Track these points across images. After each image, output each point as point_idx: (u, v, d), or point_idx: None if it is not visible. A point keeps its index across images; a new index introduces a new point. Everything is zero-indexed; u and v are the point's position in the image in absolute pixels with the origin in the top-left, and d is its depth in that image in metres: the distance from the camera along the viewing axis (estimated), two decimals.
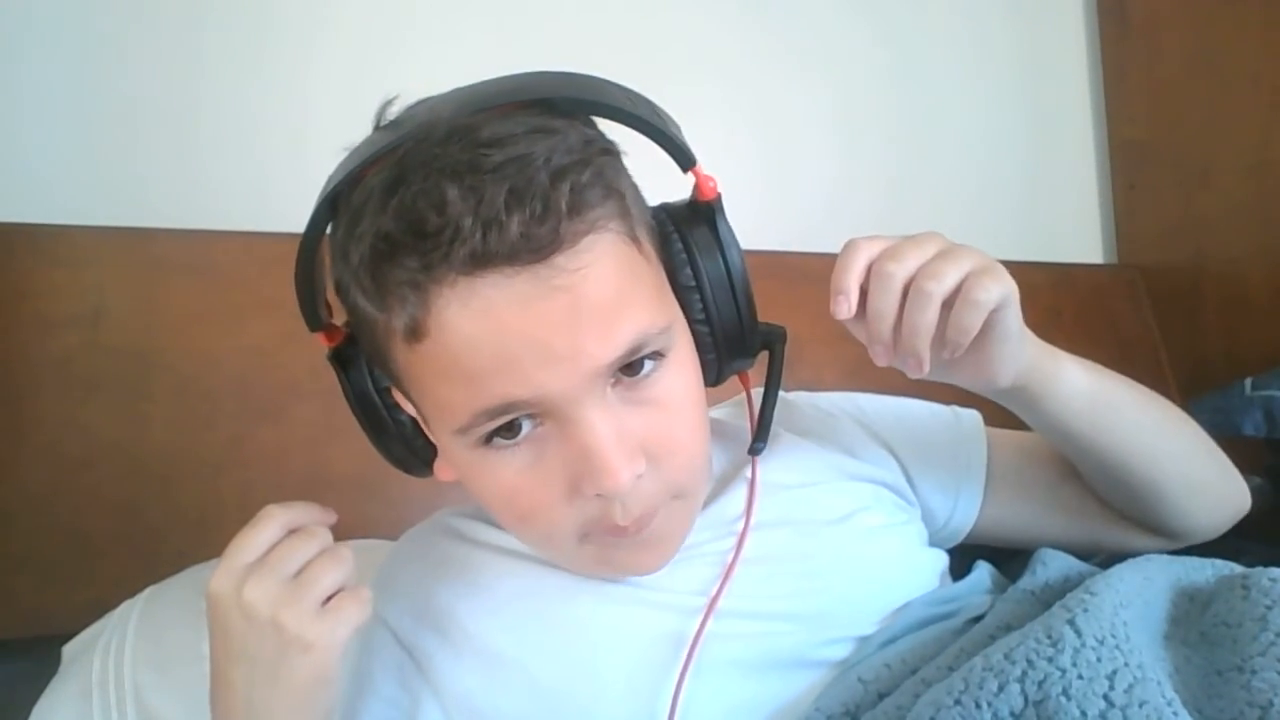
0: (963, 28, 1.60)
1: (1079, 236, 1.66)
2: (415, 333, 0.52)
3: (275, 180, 1.16)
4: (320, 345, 0.64)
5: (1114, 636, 0.52)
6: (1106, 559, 0.68)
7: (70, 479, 0.96)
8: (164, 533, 0.97)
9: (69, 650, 0.82)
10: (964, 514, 0.76)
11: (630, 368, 0.54)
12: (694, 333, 0.60)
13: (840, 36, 1.50)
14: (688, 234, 0.61)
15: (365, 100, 1.26)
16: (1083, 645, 0.51)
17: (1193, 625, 0.59)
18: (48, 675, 0.77)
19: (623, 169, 0.58)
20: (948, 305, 0.56)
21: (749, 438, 0.66)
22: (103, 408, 0.98)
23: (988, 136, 1.60)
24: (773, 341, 0.66)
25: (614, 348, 0.52)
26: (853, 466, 0.72)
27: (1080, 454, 0.70)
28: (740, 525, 0.64)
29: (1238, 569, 0.62)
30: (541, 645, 0.61)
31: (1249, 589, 0.57)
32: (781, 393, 0.72)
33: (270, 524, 0.55)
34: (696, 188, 0.63)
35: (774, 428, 0.68)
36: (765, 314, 1.41)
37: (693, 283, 0.60)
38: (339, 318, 0.62)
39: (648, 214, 0.60)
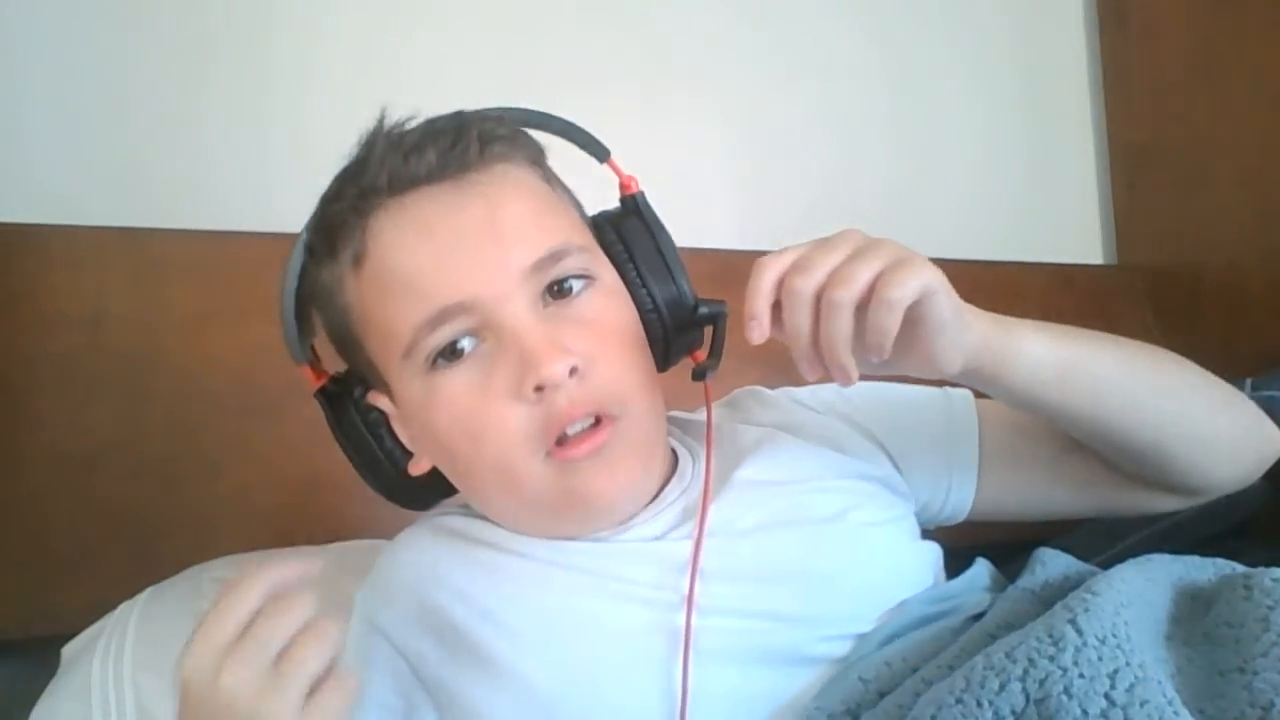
0: (963, 29, 1.60)
1: (1079, 238, 1.66)
2: (358, 258, 0.60)
3: (276, 181, 1.16)
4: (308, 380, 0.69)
5: (1115, 636, 0.52)
6: (1107, 559, 0.68)
7: (70, 479, 0.96)
8: (164, 533, 0.97)
9: (68, 651, 0.82)
10: (959, 499, 0.75)
11: (560, 290, 0.60)
12: (643, 320, 0.64)
13: (839, 38, 1.50)
14: (621, 227, 0.66)
15: (365, 101, 1.26)
16: (1084, 644, 0.51)
17: (1195, 625, 0.59)
18: (47, 676, 0.77)
19: (539, 150, 0.65)
20: (866, 307, 0.54)
21: (714, 443, 0.66)
22: (103, 408, 0.98)
23: (988, 138, 1.60)
24: (715, 316, 0.67)
25: (534, 248, 0.59)
26: (841, 463, 0.70)
27: (1066, 424, 0.68)
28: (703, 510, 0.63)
29: (1240, 569, 0.62)
30: (538, 647, 0.60)
31: (1251, 589, 0.57)
32: (764, 389, 0.75)
33: (247, 594, 0.49)
34: (620, 185, 0.68)
35: (761, 426, 0.70)
36: None
37: (631, 268, 0.65)
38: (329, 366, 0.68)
39: (574, 199, 0.67)
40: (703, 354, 0.68)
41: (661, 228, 0.67)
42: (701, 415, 0.69)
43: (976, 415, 0.76)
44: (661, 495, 0.65)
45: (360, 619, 0.64)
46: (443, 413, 0.59)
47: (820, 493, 0.67)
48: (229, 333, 1.04)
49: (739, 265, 1.31)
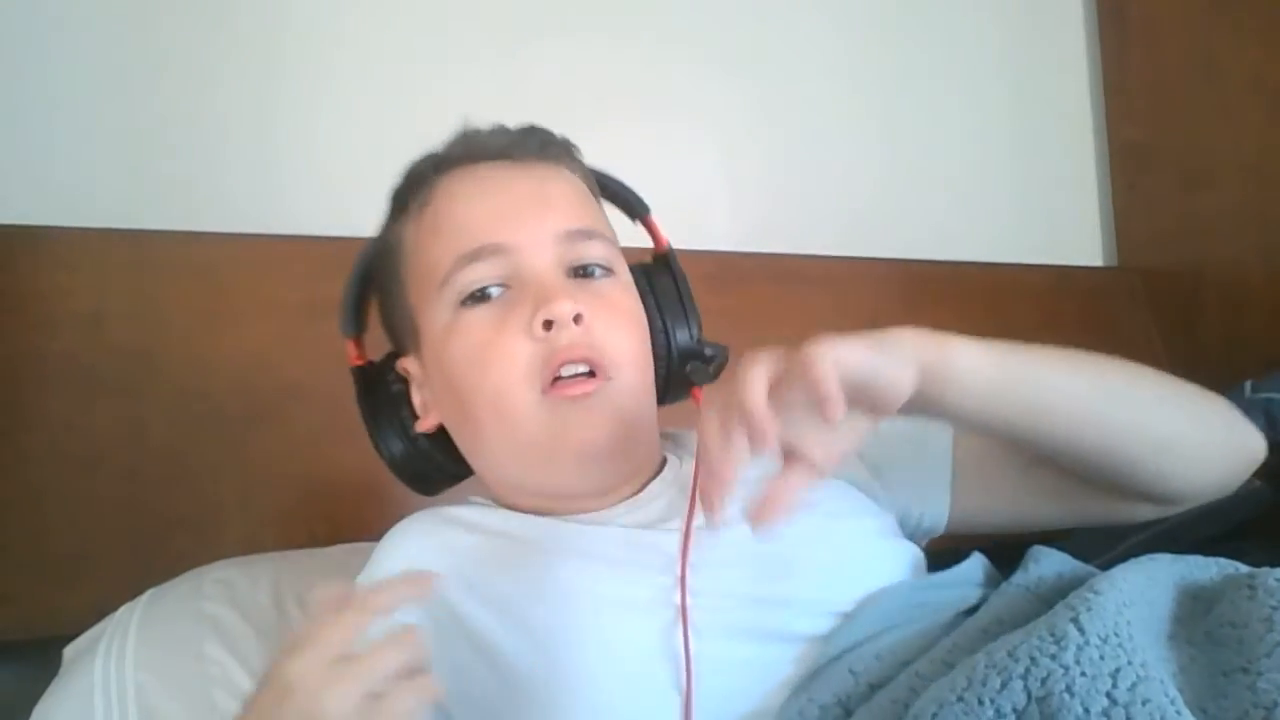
0: (961, 30, 1.60)
1: (1079, 239, 1.66)
2: (423, 205, 0.69)
3: (277, 183, 1.16)
4: (332, 345, 0.78)
5: (1117, 635, 0.52)
6: (1108, 560, 0.68)
7: (71, 480, 0.96)
8: (165, 534, 0.97)
9: (70, 652, 0.82)
10: (935, 512, 0.76)
11: (584, 272, 0.68)
12: (654, 347, 0.72)
13: (837, 39, 1.50)
14: (650, 271, 0.76)
15: (368, 105, 1.27)
16: (1086, 643, 0.51)
17: (1198, 625, 0.58)
18: (48, 677, 0.77)
19: (589, 170, 0.76)
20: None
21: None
22: (104, 409, 0.98)
23: (987, 139, 1.60)
24: (716, 355, 0.76)
25: (570, 220, 0.68)
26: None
27: (1018, 439, 0.67)
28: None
29: (1243, 569, 0.62)
30: (533, 626, 0.61)
31: (1255, 589, 0.57)
32: None
33: (366, 614, 0.50)
34: (655, 241, 0.78)
35: None
36: (765, 315, 1.42)
37: (651, 300, 0.73)
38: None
39: (610, 226, 0.74)
40: (701, 391, 0.72)
41: (686, 282, 0.76)
42: (693, 432, 0.71)
43: (950, 430, 0.77)
44: (648, 488, 0.69)
45: None
46: (459, 341, 0.66)
47: None
48: (231, 334, 1.04)
49: (737, 266, 1.33)
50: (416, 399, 0.72)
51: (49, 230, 1.01)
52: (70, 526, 0.95)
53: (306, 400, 1.05)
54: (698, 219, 1.38)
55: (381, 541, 0.70)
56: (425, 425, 0.71)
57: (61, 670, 0.80)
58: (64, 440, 0.96)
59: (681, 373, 0.73)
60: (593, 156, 1.30)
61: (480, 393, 0.65)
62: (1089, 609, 0.53)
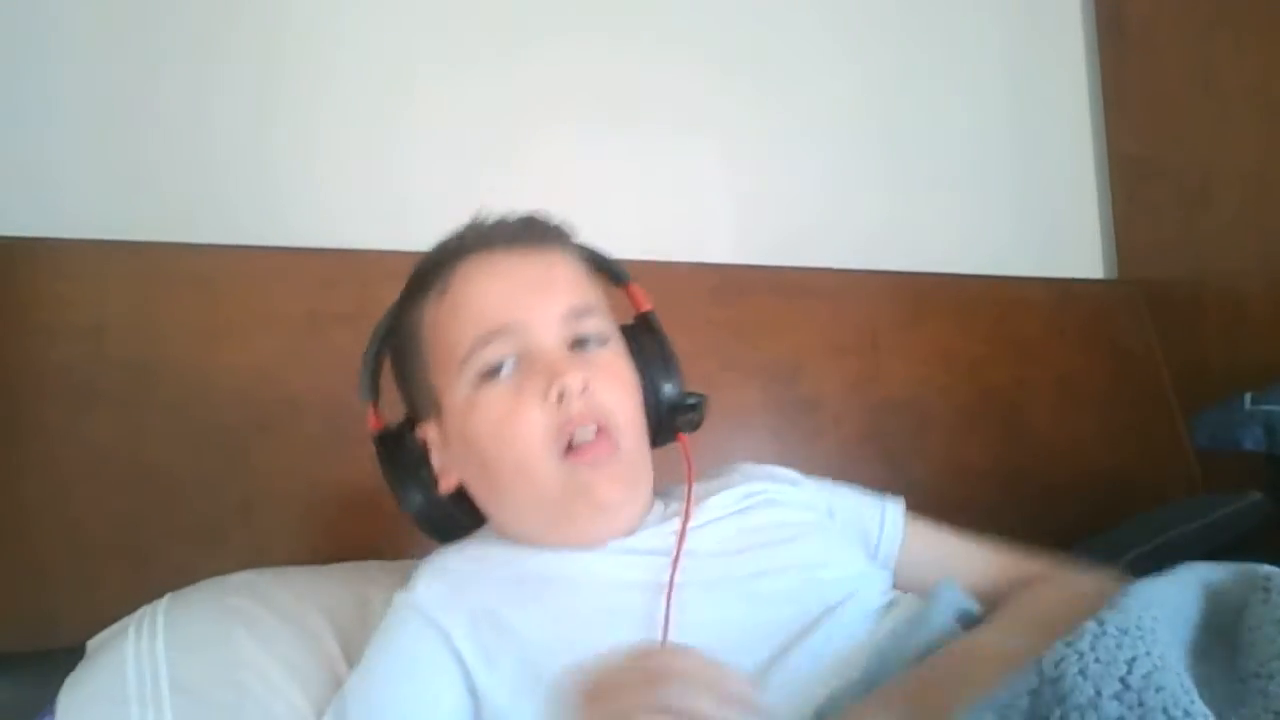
0: (961, 44, 1.60)
1: (1079, 252, 1.66)
2: (444, 291, 0.76)
3: (279, 195, 1.17)
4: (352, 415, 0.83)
5: (1139, 629, 0.52)
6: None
7: (72, 490, 0.96)
8: (165, 545, 0.97)
9: (94, 642, 0.82)
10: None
11: (582, 344, 0.75)
12: (644, 400, 0.80)
13: (838, 52, 1.51)
14: (636, 331, 0.84)
15: (368, 118, 1.27)
16: (1103, 634, 0.51)
17: (1226, 632, 0.58)
18: (48, 689, 0.77)
19: (586, 250, 0.83)
20: None
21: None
22: (105, 419, 0.98)
23: (987, 152, 1.60)
24: (698, 405, 0.84)
25: (571, 299, 0.76)
26: (783, 497, 0.83)
27: None
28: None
29: (1264, 570, 0.61)
30: (545, 622, 0.70)
31: (1270, 591, 0.57)
32: (751, 464, 0.89)
33: (698, 688, 0.52)
34: (636, 304, 0.86)
35: (710, 494, 0.81)
36: (767, 327, 1.42)
37: (641, 360, 0.81)
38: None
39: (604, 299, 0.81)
40: (686, 435, 0.83)
41: (667, 340, 0.84)
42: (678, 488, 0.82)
43: (903, 534, 0.86)
44: (643, 524, 0.77)
45: (414, 614, 0.73)
46: (481, 415, 0.73)
47: (755, 515, 0.80)
48: (232, 346, 1.04)
49: (740, 279, 1.33)
50: (436, 462, 0.78)
51: (49, 242, 1.01)
52: (70, 538, 0.95)
53: (307, 412, 1.05)
54: (700, 232, 1.38)
55: (419, 569, 0.77)
56: (446, 486, 0.78)
57: (87, 655, 0.80)
58: (63, 451, 0.96)
59: (670, 422, 0.82)
60: (593, 168, 1.32)
61: (504, 461, 0.73)
62: (1112, 607, 0.54)
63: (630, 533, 0.76)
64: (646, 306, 0.86)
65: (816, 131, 1.48)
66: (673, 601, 0.68)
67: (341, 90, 1.20)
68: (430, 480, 0.78)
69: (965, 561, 0.84)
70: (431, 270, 0.78)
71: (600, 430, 0.73)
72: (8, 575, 0.92)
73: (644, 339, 0.83)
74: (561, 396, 0.71)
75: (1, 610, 0.91)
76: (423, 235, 1.23)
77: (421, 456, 0.79)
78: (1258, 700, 0.50)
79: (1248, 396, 1.06)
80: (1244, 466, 1.17)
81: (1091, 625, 0.52)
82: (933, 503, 1.33)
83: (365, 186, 1.20)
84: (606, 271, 0.85)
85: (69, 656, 0.81)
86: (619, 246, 1.29)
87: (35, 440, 0.96)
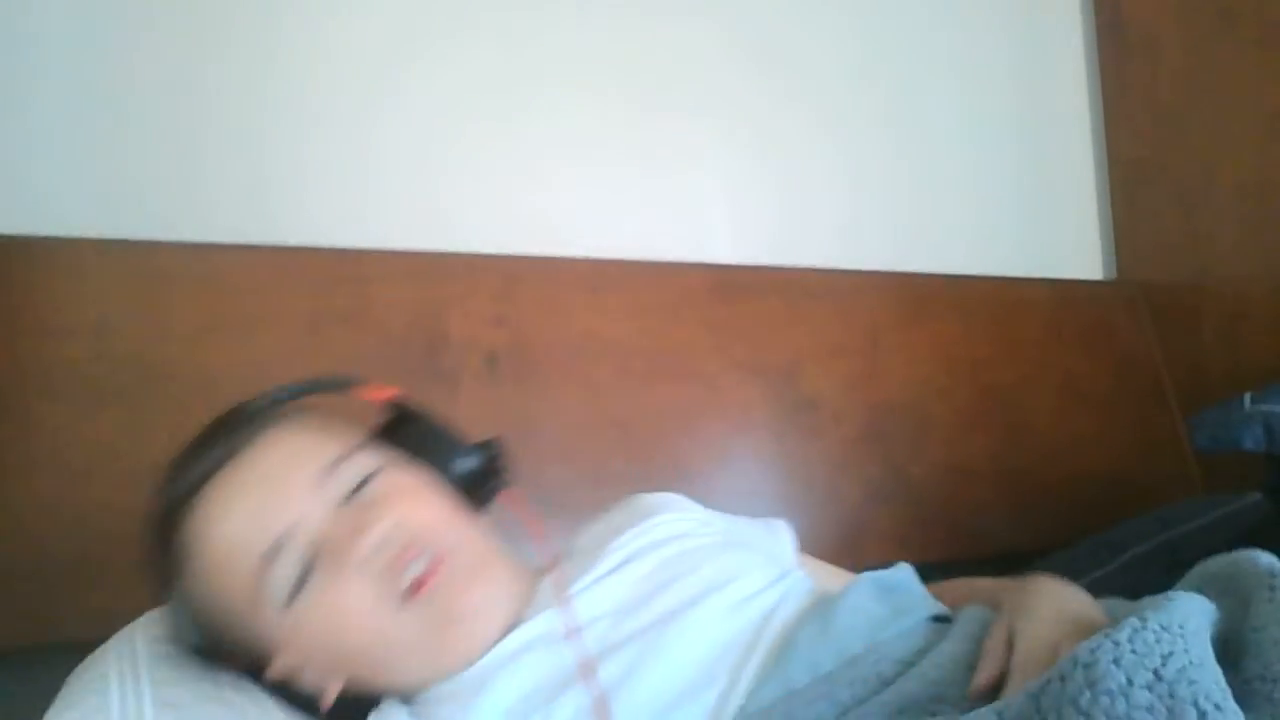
0: (963, 46, 1.61)
1: (1079, 253, 1.67)
2: (186, 559, 0.70)
3: (280, 193, 1.17)
4: None
5: (1181, 629, 0.51)
6: (1109, 572, 0.68)
7: (74, 489, 0.96)
8: None
9: (76, 671, 0.81)
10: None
11: (355, 490, 0.70)
12: (447, 482, 0.76)
13: (838, 54, 1.51)
14: (395, 430, 0.78)
15: (371, 116, 1.27)
16: (1143, 628, 0.51)
17: (1231, 625, 0.57)
18: (51, 685, 0.77)
19: (301, 407, 0.77)
20: None
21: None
22: (106, 418, 0.98)
23: (988, 154, 1.61)
24: (495, 455, 0.79)
25: (314, 462, 0.70)
26: (679, 528, 0.80)
27: None
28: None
29: (1264, 559, 0.60)
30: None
31: (1275, 589, 0.56)
32: (646, 497, 0.86)
33: None
34: (376, 400, 0.78)
35: (600, 544, 0.78)
36: (767, 328, 1.41)
37: (418, 454, 0.76)
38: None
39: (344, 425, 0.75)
40: (511, 492, 0.79)
41: (428, 414, 0.78)
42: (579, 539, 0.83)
43: (795, 554, 0.86)
44: (534, 607, 0.73)
45: None
46: (315, 628, 0.68)
47: (638, 569, 0.76)
48: (232, 345, 1.05)
49: (739, 279, 1.33)
50: (308, 685, 0.72)
51: (53, 241, 1.02)
52: (73, 535, 0.95)
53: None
54: (700, 232, 1.39)
55: None
56: (330, 699, 0.72)
57: (69, 680, 0.79)
58: (67, 449, 0.97)
59: (483, 490, 0.78)
60: (595, 168, 1.32)
61: (361, 646, 0.69)
62: (1155, 608, 0.53)
63: (521, 620, 0.71)
64: (387, 395, 0.78)
65: (818, 132, 1.48)
66: (597, 677, 0.65)
67: (346, 88, 1.21)
68: (317, 703, 0.72)
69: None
70: (164, 544, 0.70)
71: (426, 556, 0.68)
72: (11, 572, 0.93)
73: (408, 430, 0.77)
74: (368, 557, 0.67)
75: (5, 607, 0.92)
76: (422, 234, 1.23)
77: (294, 693, 0.72)
78: (1264, 707, 0.49)
79: (1247, 397, 1.06)
80: (1243, 467, 1.17)
81: (1133, 620, 0.51)
82: (933, 503, 1.34)
83: (368, 185, 1.20)
84: (325, 389, 0.79)
85: (72, 653, 0.81)
86: (619, 247, 1.30)
87: (38, 437, 0.96)
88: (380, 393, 0.78)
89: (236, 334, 1.05)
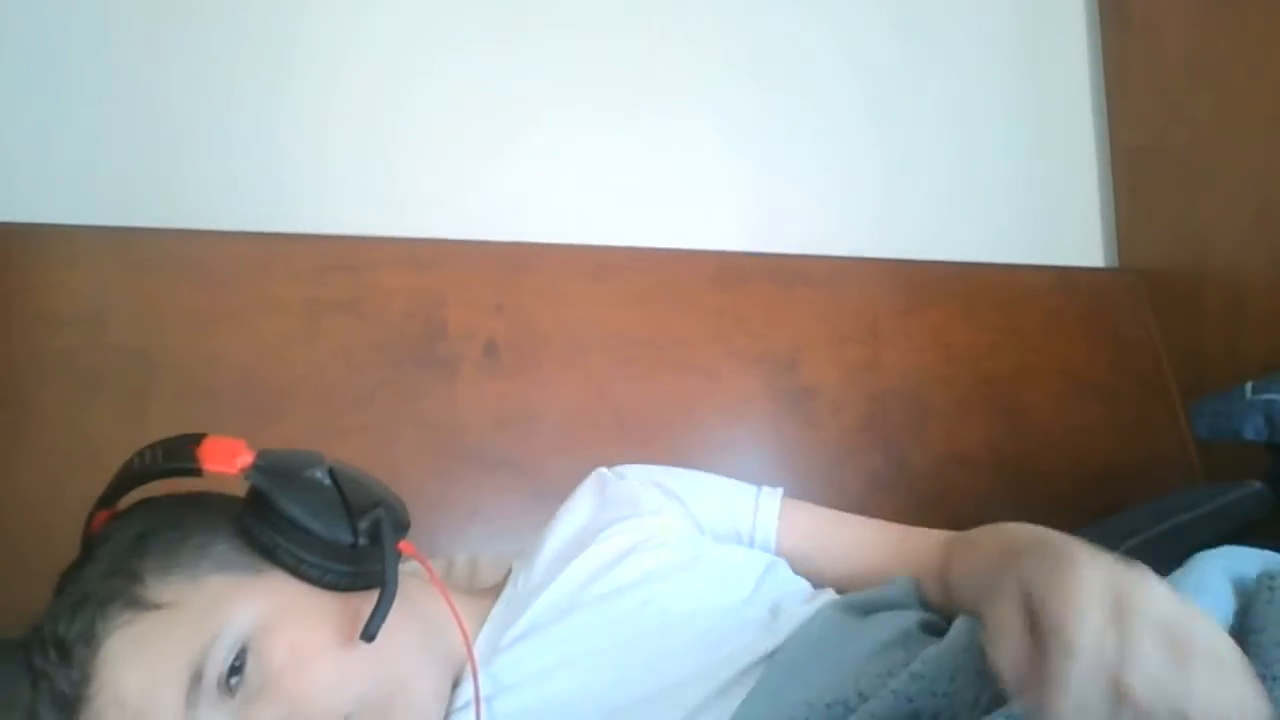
0: (965, 31, 1.60)
1: (1080, 240, 1.66)
2: None
3: (278, 181, 1.16)
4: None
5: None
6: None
7: (72, 478, 0.95)
8: None
9: None
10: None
11: (229, 675, 0.58)
12: (324, 584, 0.63)
13: (839, 37, 1.50)
14: (252, 520, 0.64)
15: (369, 103, 1.27)
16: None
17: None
18: None
19: (127, 598, 0.61)
20: None
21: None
22: (105, 407, 0.98)
23: (989, 140, 1.60)
24: (377, 526, 0.65)
25: (173, 685, 0.57)
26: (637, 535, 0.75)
27: None
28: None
29: (1272, 563, 0.60)
30: None
31: (1275, 590, 0.56)
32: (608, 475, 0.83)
33: None
34: (213, 466, 0.64)
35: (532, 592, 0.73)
36: (767, 315, 1.41)
37: (282, 555, 0.62)
38: None
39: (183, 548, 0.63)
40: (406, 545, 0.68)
41: (278, 499, 0.63)
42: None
43: (777, 521, 0.81)
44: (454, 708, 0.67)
45: None
46: None
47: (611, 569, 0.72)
48: (231, 332, 1.04)
49: (739, 266, 1.33)
50: None
51: (49, 228, 1.01)
52: (71, 525, 0.95)
53: (307, 398, 1.05)
54: (699, 218, 1.38)
55: None
56: None
57: None
58: (64, 438, 0.96)
59: (369, 572, 0.64)
60: (593, 155, 1.31)
61: None
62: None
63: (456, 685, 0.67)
64: (235, 469, 0.64)
65: (817, 118, 1.47)
66: None
67: (341, 76, 1.20)
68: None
69: (846, 545, 0.81)
70: None
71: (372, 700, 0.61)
72: (9, 561, 0.92)
73: (263, 516, 0.63)
74: None
75: (2, 596, 0.91)
76: (421, 222, 1.23)
77: None
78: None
79: (1249, 386, 1.06)
80: (1243, 456, 1.17)
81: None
82: (932, 491, 1.34)
83: (363, 172, 1.20)
84: (167, 477, 0.67)
85: None
86: (618, 233, 1.30)
87: (36, 427, 0.96)
88: (228, 462, 0.64)
89: (233, 322, 1.05)
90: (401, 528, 0.67)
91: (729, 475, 1.25)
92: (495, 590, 0.77)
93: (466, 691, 0.65)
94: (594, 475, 0.84)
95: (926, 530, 0.80)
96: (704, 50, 1.40)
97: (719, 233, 1.38)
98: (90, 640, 0.59)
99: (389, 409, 1.08)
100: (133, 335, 1.01)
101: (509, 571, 0.79)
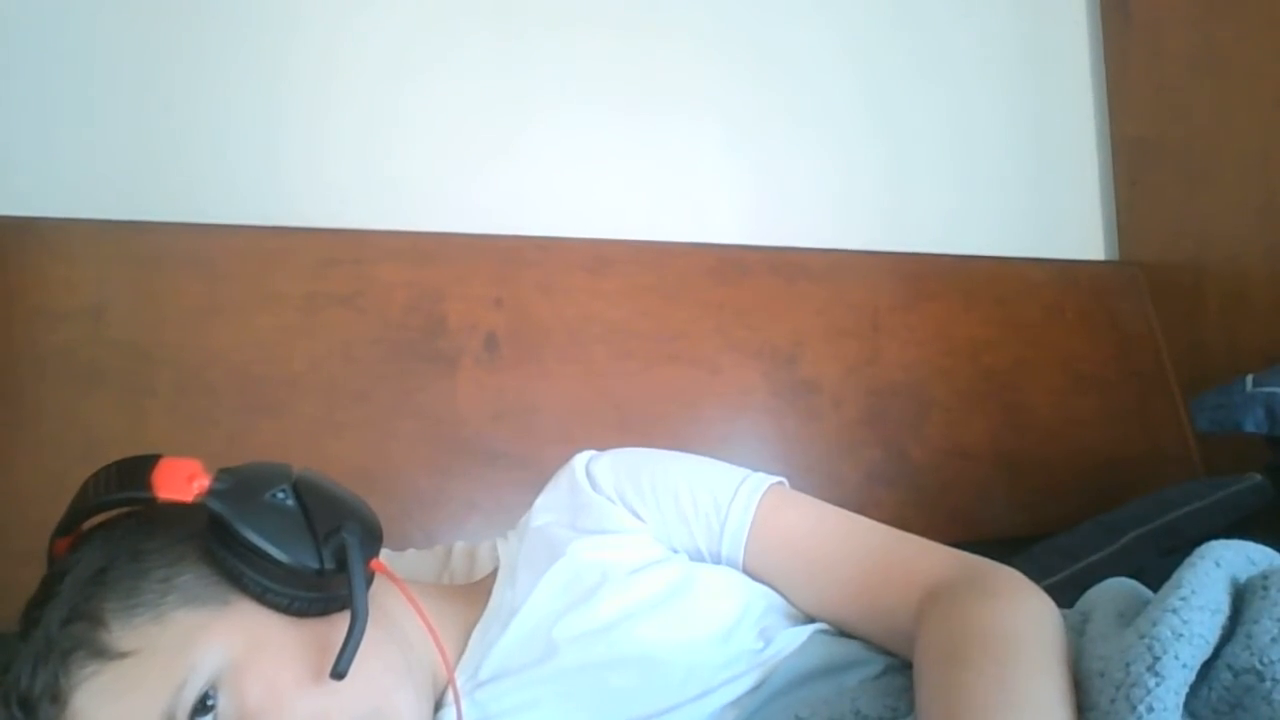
0: (966, 25, 1.59)
1: (1081, 233, 1.66)
2: None
3: (278, 175, 1.16)
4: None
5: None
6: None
7: (71, 472, 0.95)
8: None
9: None
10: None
11: (207, 706, 0.57)
12: (295, 613, 0.61)
13: (839, 32, 1.50)
14: (213, 549, 0.60)
15: (369, 97, 1.26)
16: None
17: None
18: None
19: (94, 644, 0.58)
20: None
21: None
22: (104, 402, 0.98)
23: (990, 133, 1.60)
24: (343, 550, 0.62)
25: (154, 706, 0.56)
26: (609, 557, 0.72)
27: None
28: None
29: (1270, 561, 0.60)
30: None
31: (1269, 589, 0.55)
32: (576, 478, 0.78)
33: None
34: (185, 494, 0.61)
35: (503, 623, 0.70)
36: (767, 308, 1.42)
37: (249, 583, 0.60)
38: None
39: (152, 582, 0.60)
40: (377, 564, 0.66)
41: (244, 514, 0.60)
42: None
43: (746, 535, 0.74)
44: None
45: None
46: None
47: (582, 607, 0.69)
48: (231, 326, 1.04)
49: (739, 259, 1.33)
50: None
51: (49, 222, 1.01)
52: None
53: (308, 394, 1.05)
54: (699, 212, 1.38)
55: None
56: None
57: None
58: (63, 433, 0.96)
59: (341, 596, 0.61)
60: (593, 149, 1.31)
61: None
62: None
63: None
64: (190, 495, 0.60)
65: (817, 112, 1.47)
66: None
67: (342, 70, 1.20)
68: None
69: (814, 587, 0.73)
70: None
71: None
72: (9, 555, 0.92)
73: (224, 555, 0.60)
74: None
75: (2, 590, 0.91)
76: (421, 215, 1.23)
77: None
78: (1261, 707, 0.49)
79: (1249, 379, 1.06)
80: (1243, 449, 1.17)
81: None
82: (932, 484, 1.34)
83: (364, 166, 1.20)
84: (120, 506, 0.64)
85: None
86: (618, 226, 1.30)
87: (35, 421, 0.96)
88: (183, 488, 0.60)
89: (233, 316, 1.05)
90: (372, 543, 0.64)
91: None
92: (486, 589, 0.76)
93: (447, 715, 0.64)
94: (568, 469, 0.80)
95: (908, 569, 0.69)
96: (704, 44, 1.40)
97: (719, 227, 1.37)
98: (56, 697, 0.57)
99: (389, 402, 1.08)
100: (132, 329, 1.01)
101: (497, 567, 0.77)
